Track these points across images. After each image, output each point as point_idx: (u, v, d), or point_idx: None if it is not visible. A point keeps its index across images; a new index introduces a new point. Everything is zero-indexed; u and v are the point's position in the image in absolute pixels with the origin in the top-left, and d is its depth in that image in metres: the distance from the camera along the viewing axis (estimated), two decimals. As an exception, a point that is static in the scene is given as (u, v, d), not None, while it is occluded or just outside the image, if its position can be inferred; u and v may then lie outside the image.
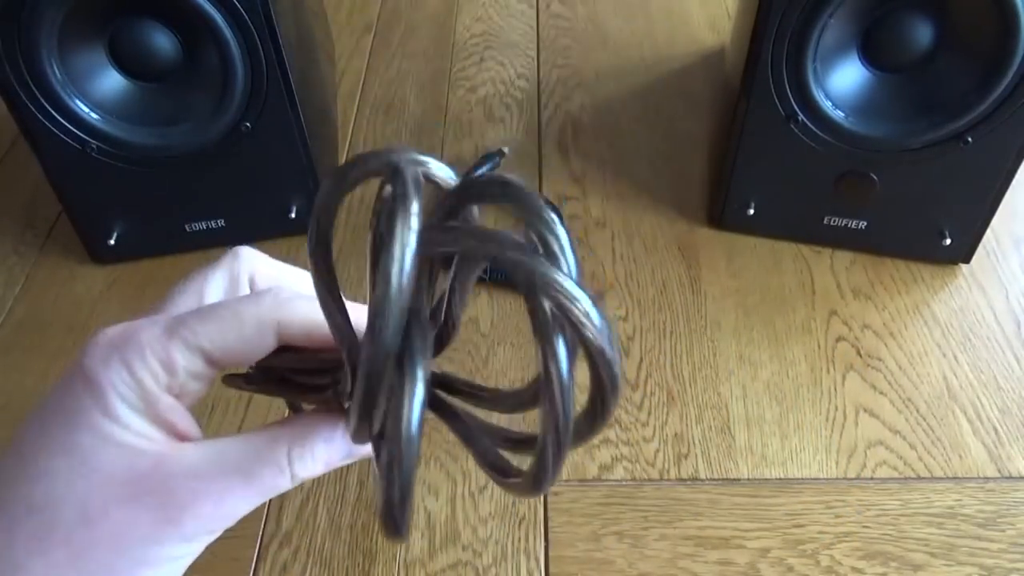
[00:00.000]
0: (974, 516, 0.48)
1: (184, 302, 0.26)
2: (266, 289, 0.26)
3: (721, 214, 0.63)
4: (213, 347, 0.24)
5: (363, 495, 0.49)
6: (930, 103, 0.53)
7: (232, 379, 0.29)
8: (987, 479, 0.50)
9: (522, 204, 0.20)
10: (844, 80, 0.54)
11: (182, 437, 0.24)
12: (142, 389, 0.23)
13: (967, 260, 0.61)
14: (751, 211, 0.61)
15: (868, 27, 0.52)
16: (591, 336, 0.18)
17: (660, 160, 0.71)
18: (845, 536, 0.47)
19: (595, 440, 0.52)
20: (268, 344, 0.25)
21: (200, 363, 0.24)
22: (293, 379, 0.27)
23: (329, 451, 0.26)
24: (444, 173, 0.24)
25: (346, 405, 0.24)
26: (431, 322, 0.24)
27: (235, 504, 0.24)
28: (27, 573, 0.22)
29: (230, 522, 0.24)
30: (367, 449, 0.26)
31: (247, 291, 0.28)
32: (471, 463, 0.51)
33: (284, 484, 0.25)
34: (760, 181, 0.60)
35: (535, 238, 0.19)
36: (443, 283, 0.25)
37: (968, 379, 0.55)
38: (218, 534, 0.25)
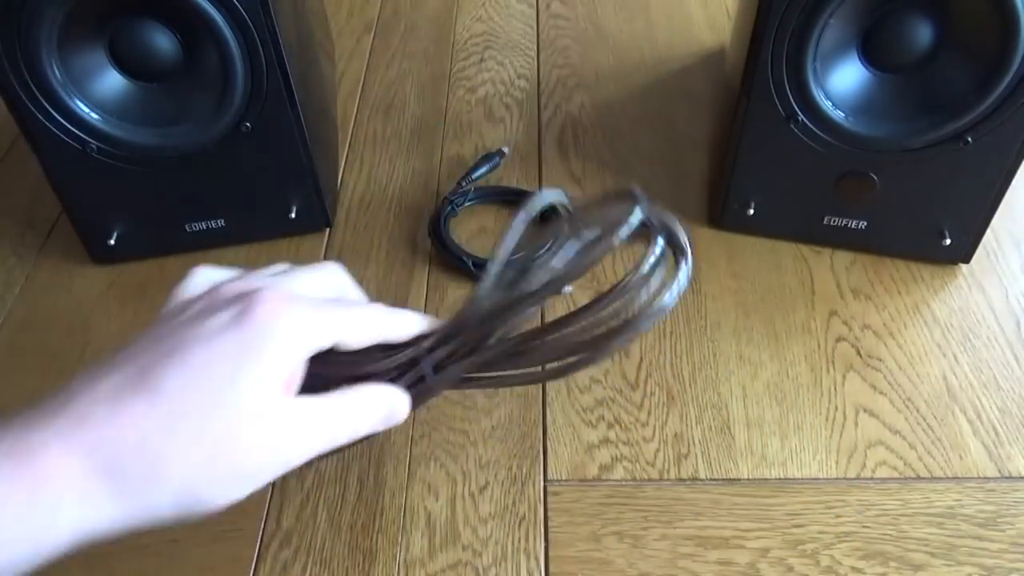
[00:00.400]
0: (974, 516, 0.48)
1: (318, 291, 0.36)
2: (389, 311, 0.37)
3: (721, 214, 0.63)
4: (340, 344, 0.34)
5: (363, 495, 0.49)
6: (930, 103, 0.53)
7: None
8: (987, 479, 0.50)
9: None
10: (844, 80, 0.54)
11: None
12: (291, 367, 0.32)
13: (967, 260, 0.61)
14: (751, 211, 0.61)
15: (868, 27, 0.52)
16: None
17: (660, 160, 0.71)
18: (845, 536, 0.47)
19: (595, 440, 0.52)
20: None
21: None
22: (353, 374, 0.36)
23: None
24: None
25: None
26: None
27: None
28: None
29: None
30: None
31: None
32: (471, 463, 0.51)
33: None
34: (760, 181, 0.60)
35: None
36: None
37: (968, 379, 0.55)
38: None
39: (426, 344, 0.38)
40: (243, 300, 0.32)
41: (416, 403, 0.37)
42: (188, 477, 0.29)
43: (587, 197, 0.51)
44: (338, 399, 0.34)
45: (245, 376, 0.30)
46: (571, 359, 0.39)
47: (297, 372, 0.32)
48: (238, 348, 0.30)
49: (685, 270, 0.39)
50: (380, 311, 0.36)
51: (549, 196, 0.43)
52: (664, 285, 0.38)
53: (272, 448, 0.31)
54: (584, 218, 0.41)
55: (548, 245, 0.41)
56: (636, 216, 0.39)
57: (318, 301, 0.34)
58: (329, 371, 0.35)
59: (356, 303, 0.37)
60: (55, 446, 0.28)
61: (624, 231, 0.38)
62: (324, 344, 0.33)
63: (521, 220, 0.42)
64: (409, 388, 0.37)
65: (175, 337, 0.31)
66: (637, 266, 0.38)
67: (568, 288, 0.59)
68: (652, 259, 0.38)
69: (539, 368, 0.40)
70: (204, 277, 0.36)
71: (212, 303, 0.33)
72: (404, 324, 0.37)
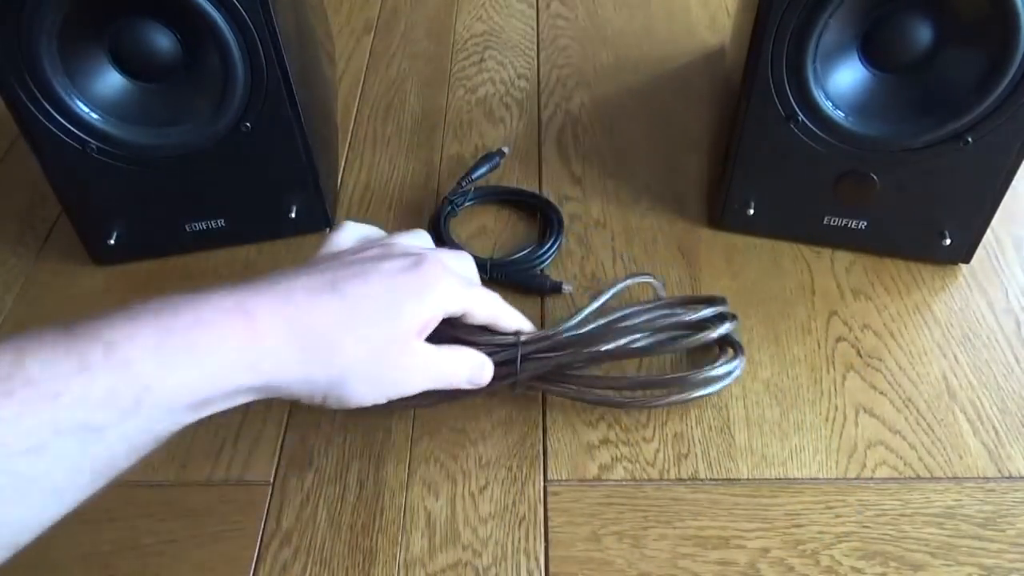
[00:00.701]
0: (974, 516, 0.48)
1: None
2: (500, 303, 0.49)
3: (721, 214, 0.63)
4: (467, 315, 0.45)
5: (363, 495, 0.49)
6: (930, 103, 0.53)
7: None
8: (987, 479, 0.50)
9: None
10: (844, 80, 0.54)
11: None
12: (433, 317, 0.42)
13: (967, 260, 0.61)
14: (751, 211, 0.61)
15: (868, 27, 0.52)
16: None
17: (660, 160, 0.71)
18: (845, 536, 0.47)
19: (595, 440, 0.52)
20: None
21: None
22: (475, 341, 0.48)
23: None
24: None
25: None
26: None
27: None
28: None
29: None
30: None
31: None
32: (471, 463, 0.51)
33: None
34: (760, 181, 0.60)
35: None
36: None
37: (968, 379, 0.55)
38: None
39: (523, 338, 0.49)
40: (416, 256, 0.42)
41: (496, 381, 0.48)
42: (349, 365, 0.39)
43: (681, 296, 0.59)
44: (447, 351, 0.44)
45: (408, 309, 0.40)
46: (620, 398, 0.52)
47: (433, 324, 0.42)
48: (408, 287, 0.41)
49: (740, 363, 0.52)
50: (499, 301, 0.48)
51: (643, 279, 0.59)
52: (720, 374, 0.51)
53: (404, 367, 0.41)
54: (675, 305, 0.53)
55: (641, 307, 0.53)
56: (726, 328, 0.51)
57: (465, 279, 0.45)
58: (450, 332, 0.46)
59: (484, 289, 0.47)
60: (267, 312, 0.37)
61: (712, 335, 0.51)
62: (458, 311, 0.44)
63: (620, 286, 0.56)
64: (498, 366, 0.48)
65: (361, 265, 0.41)
66: (712, 364, 0.51)
67: (568, 287, 0.59)
68: (716, 333, 0.51)
69: (610, 392, 0.52)
70: (354, 229, 0.47)
71: (389, 252, 0.43)
72: (512, 316, 0.49)
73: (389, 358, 0.40)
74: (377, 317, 0.39)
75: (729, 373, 0.51)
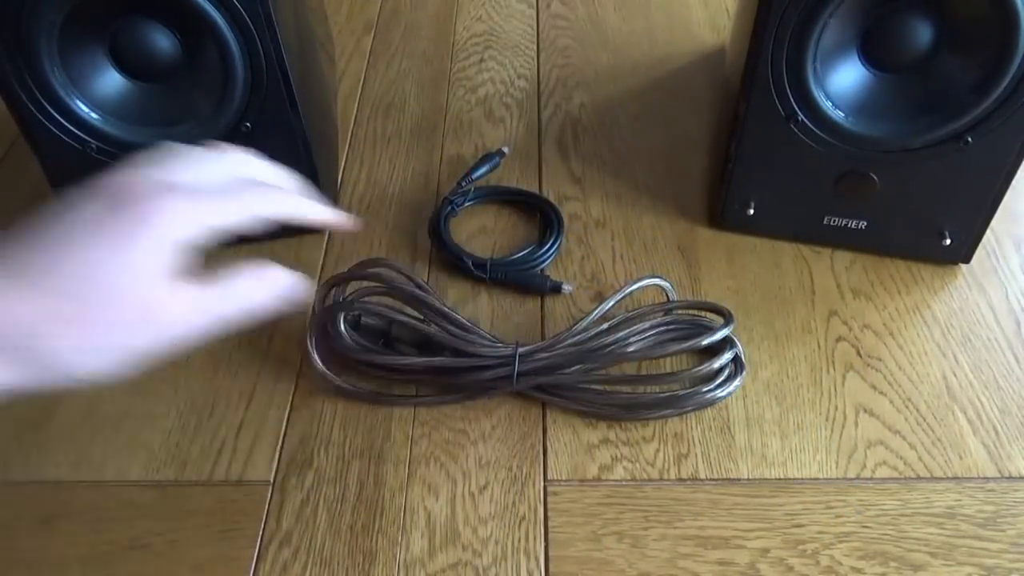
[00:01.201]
0: (974, 516, 0.48)
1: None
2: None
3: (721, 214, 0.63)
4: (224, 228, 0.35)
5: (363, 495, 0.49)
6: (930, 103, 0.53)
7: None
8: (987, 479, 0.50)
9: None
10: (844, 80, 0.54)
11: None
12: (165, 255, 0.33)
13: (967, 260, 0.61)
14: (751, 211, 0.61)
15: (868, 27, 0.52)
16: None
17: (660, 160, 0.71)
18: (845, 536, 0.47)
19: (595, 440, 0.52)
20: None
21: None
22: None
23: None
24: None
25: None
26: None
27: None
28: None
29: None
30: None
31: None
32: (471, 463, 0.51)
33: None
34: (760, 181, 0.60)
35: None
36: None
37: (968, 379, 0.55)
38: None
39: (521, 350, 0.50)
40: (115, 192, 0.34)
41: (491, 391, 0.52)
42: (71, 355, 0.32)
43: (689, 301, 0.58)
44: (219, 286, 0.36)
45: (118, 263, 0.33)
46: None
47: (177, 260, 0.34)
48: (111, 238, 0.33)
49: (739, 382, 0.52)
50: (264, 198, 0.37)
51: (656, 281, 0.56)
52: (717, 387, 0.52)
53: (149, 323, 0.34)
54: (678, 311, 0.54)
55: (643, 311, 0.53)
56: (722, 333, 0.51)
57: (198, 190, 0.35)
58: (437, 335, 0.50)
59: (237, 186, 0.37)
60: None
61: (706, 340, 0.50)
62: (200, 234, 0.34)
63: (623, 293, 0.55)
64: (499, 378, 0.50)
65: (57, 229, 0.34)
66: (707, 363, 0.51)
67: (568, 287, 0.59)
68: (719, 363, 0.51)
69: (608, 407, 0.52)
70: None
71: (92, 194, 0.35)
72: (297, 204, 0.39)
73: (117, 323, 0.33)
74: (84, 290, 0.32)
75: (729, 393, 0.52)
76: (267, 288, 0.38)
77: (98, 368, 0.33)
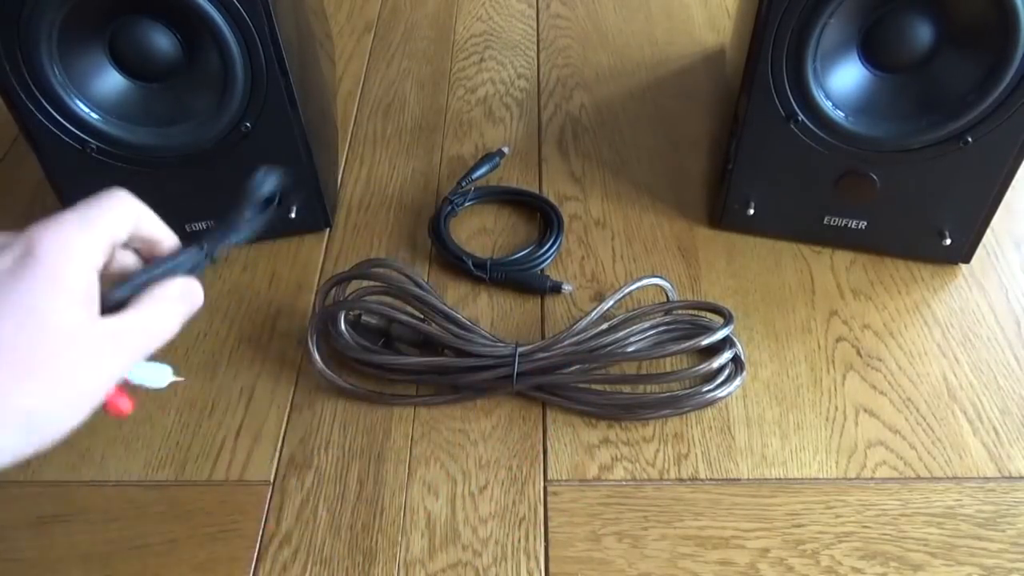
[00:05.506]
0: (974, 516, 0.48)
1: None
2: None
3: (721, 214, 0.63)
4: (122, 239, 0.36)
5: (363, 495, 0.49)
6: (930, 103, 0.53)
7: None
8: (987, 479, 0.50)
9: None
10: (844, 80, 0.54)
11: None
12: (85, 285, 0.32)
13: (967, 260, 0.61)
14: (751, 211, 0.61)
15: (868, 27, 0.52)
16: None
17: (660, 160, 0.71)
18: (845, 536, 0.47)
19: (595, 440, 0.52)
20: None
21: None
22: None
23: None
24: None
25: None
26: None
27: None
28: None
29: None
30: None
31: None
32: (471, 463, 0.51)
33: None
34: (760, 181, 0.60)
35: None
36: None
37: (968, 379, 0.55)
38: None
39: (521, 350, 0.50)
40: (19, 241, 0.32)
41: (490, 392, 0.52)
42: (22, 418, 0.31)
43: (689, 301, 0.58)
44: (143, 309, 0.35)
45: (29, 307, 0.31)
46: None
47: (92, 289, 0.33)
48: (32, 287, 0.31)
49: (739, 382, 0.52)
50: (124, 216, 0.37)
51: (656, 281, 0.56)
52: (717, 387, 0.51)
53: (94, 367, 0.32)
54: (677, 311, 0.54)
55: (641, 311, 0.53)
56: (722, 333, 0.51)
57: (83, 213, 0.34)
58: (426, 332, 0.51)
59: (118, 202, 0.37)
60: None
61: (706, 339, 0.50)
62: (106, 246, 0.34)
63: (622, 292, 0.54)
64: (499, 378, 0.50)
65: None
66: (707, 363, 0.51)
67: (568, 287, 0.59)
68: (718, 362, 0.51)
69: (608, 408, 0.52)
70: None
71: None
72: (153, 228, 0.40)
73: (65, 372, 0.32)
74: (23, 347, 0.30)
75: (729, 393, 0.52)
76: (190, 308, 0.38)
77: (70, 416, 0.32)
